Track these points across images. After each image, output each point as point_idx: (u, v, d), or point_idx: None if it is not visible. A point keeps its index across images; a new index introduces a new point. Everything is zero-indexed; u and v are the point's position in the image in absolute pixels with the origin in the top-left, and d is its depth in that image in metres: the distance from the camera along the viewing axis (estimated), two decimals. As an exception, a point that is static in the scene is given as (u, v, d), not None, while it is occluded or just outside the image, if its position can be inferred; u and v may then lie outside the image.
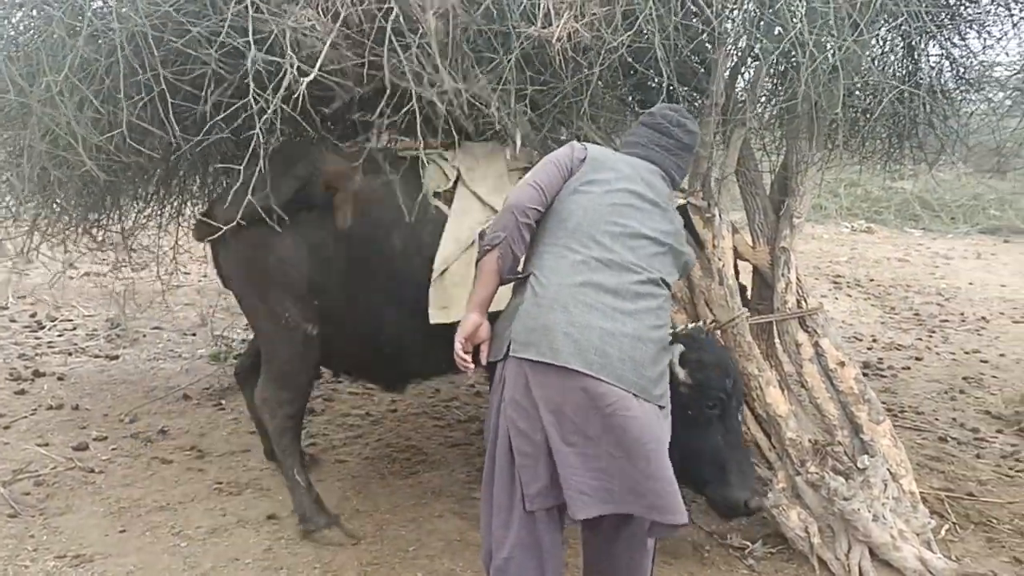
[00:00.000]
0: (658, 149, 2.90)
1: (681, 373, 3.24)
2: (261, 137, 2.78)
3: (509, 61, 3.29)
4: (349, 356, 3.84)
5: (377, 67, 3.15)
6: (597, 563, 2.83)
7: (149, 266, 8.22)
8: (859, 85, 5.57)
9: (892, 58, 5.50)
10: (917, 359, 7.12)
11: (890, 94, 3.85)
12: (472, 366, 2.66)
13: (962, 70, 5.44)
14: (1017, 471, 4.70)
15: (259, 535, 3.62)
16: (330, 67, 3.07)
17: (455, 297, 3.38)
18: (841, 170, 6.73)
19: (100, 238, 4.57)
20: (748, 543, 3.71)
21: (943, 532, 3.93)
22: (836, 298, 9.39)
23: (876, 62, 5.50)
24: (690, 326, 3.45)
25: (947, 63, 5.38)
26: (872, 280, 10.44)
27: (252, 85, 2.74)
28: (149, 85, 2.92)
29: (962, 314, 8.88)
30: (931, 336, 7.98)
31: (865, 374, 6.52)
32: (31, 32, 2.96)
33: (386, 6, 3.01)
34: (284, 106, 2.92)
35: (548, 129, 3.64)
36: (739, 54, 3.73)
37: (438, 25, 3.16)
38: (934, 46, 5.34)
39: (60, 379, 5.39)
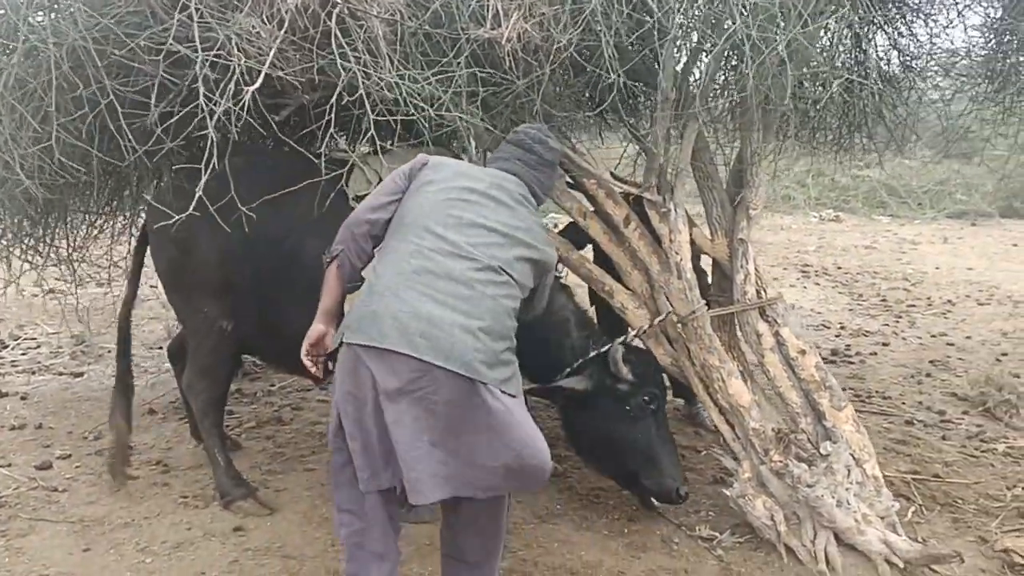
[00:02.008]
0: (519, 163, 3.04)
1: (624, 370, 3.58)
2: (215, 139, 2.74)
3: (459, 63, 3.29)
4: (272, 351, 4.13)
5: (325, 72, 3.14)
6: (450, 543, 2.92)
7: (114, 281, 8.21)
8: (808, 76, 5.67)
9: (840, 49, 5.57)
10: (884, 344, 7.19)
11: (838, 84, 3.78)
12: (319, 373, 2.82)
13: (909, 59, 5.52)
14: (982, 451, 4.76)
15: (225, 547, 3.58)
16: (277, 73, 3.04)
17: None
18: (795, 161, 6.78)
19: (45, 254, 4.49)
20: (716, 534, 3.73)
21: (909, 514, 3.98)
22: (805, 287, 9.47)
23: (825, 53, 5.58)
24: (630, 333, 3.83)
25: (895, 52, 5.47)
26: (840, 268, 10.54)
27: (201, 88, 2.71)
28: (94, 99, 2.89)
29: (929, 298, 8.99)
30: (898, 321, 8.06)
31: (833, 361, 6.62)
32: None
33: (331, 8, 2.99)
34: (235, 110, 2.89)
35: (502, 129, 3.63)
36: (688, 49, 3.74)
37: (384, 30, 3.16)
38: (882, 36, 5.42)
39: (23, 399, 5.32)
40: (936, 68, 5.56)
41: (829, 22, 3.92)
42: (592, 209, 4.03)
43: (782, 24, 3.31)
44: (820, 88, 5.70)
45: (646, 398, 3.67)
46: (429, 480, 2.50)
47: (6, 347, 6.41)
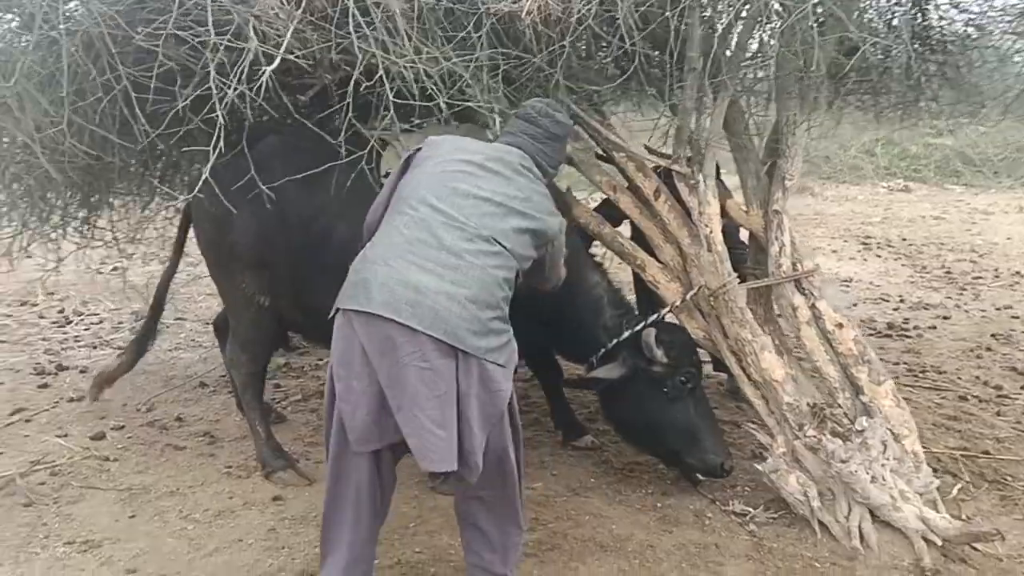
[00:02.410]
0: (525, 137, 3.02)
1: (659, 353, 3.59)
2: (224, 121, 2.80)
3: (480, 38, 3.28)
4: (308, 327, 4.27)
5: (345, 51, 3.16)
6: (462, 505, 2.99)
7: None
8: (859, 40, 5.48)
9: (899, 9, 5.37)
10: (945, 318, 6.99)
11: (869, 44, 3.64)
12: None
13: (973, 16, 5.29)
14: (1037, 427, 4.60)
15: (264, 516, 3.69)
16: (297, 53, 3.07)
17: None
18: (864, 131, 6.59)
19: (90, 234, 4.67)
20: (750, 509, 3.69)
21: (955, 491, 3.88)
22: (865, 259, 9.24)
23: (882, 15, 5.39)
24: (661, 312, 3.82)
25: (955, 11, 5.24)
26: (904, 240, 10.25)
27: (213, 72, 2.76)
28: (110, 85, 2.96)
29: (996, 270, 8.70)
30: (961, 294, 7.82)
31: (888, 335, 6.46)
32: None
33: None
34: (250, 93, 2.93)
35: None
36: (717, 15, 3.65)
37: (403, 6, 3.16)
38: (942, -7, 5.21)
39: (83, 372, 5.53)
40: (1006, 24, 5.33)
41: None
42: (624, 183, 3.99)
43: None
44: (881, 52, 5.56)
45: (683, 379, 3.68)
46: (434, 450, 2.55)
47: (70, 323, 6.67)
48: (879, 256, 9.39)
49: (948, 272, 8.66)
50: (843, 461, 3.41)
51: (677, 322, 3.92)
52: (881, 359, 5.73)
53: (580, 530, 3.59)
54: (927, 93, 5.59)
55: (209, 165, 2.98)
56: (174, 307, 6.90)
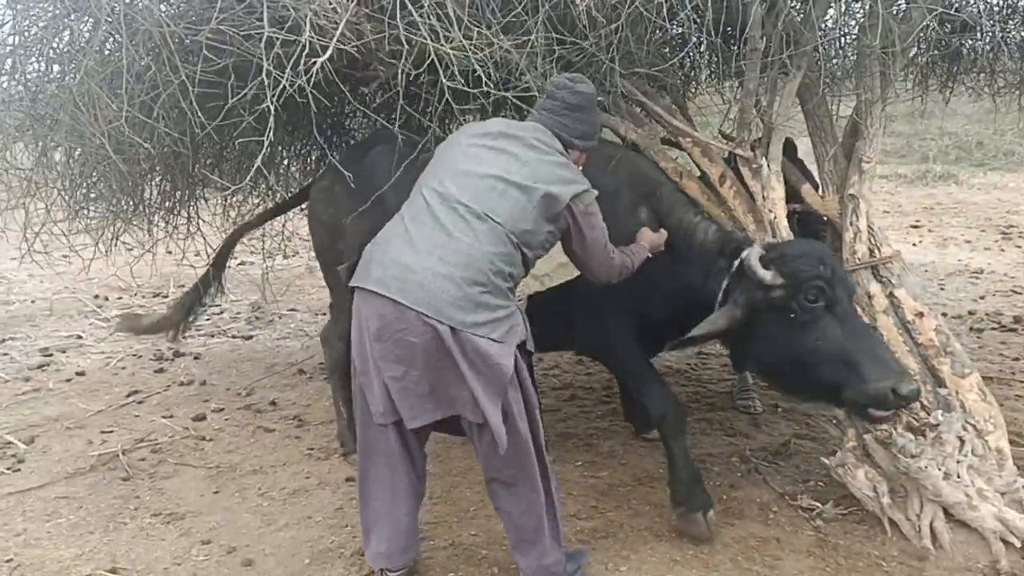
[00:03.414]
0: (544, 112, 3.04)
1: (767, 275, 3.01)
2: (276, 112, 2.93)
3: (536, 23, 3.30)
4: None
5: (400, 41, 3.24)
6: (483, 465, 2.98)
7: (298, 253, 8.88)
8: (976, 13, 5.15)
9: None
10: (1081, 313, 6.46)
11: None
12: None
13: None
14: None
15: (335, 496, 3.85)
16: (351, 45, 3.17)
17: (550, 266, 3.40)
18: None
19: (174, 225, 4.95)
20: (818, 504, 3.56)
21: (1056, 494, 3.60)
22: (1003, 250, 8.65)
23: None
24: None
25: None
26: (1052, 229, 9.52)
27: (266, 65, 2.90)
28: (170, 82, 3.17)
29: None
30: (1106, 287, 7.20)
31: (1014, 329, 6.04)
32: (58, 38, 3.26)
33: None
34: (308, 86, 3.06)
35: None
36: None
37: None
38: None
39: (196, 358, 5.90)
40: None
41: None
42: (691, 168, 3.91)
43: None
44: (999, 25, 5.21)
45: (809, 296, 2.98)
46: (417, 407, 2.76)
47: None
48: (1019, 247, 8.75)
49: (1095, 264, 8.00)
50: (913, 456, 3.23)
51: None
52: (1001, 354, 5.49)
53: (639, 520, 3.56)
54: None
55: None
56: (290, 299, 7.34)
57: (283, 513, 3.72)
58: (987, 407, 3.45)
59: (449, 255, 2.66)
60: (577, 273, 3.24)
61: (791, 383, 3.24)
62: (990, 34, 5.30)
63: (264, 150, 3.00)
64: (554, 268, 3.38)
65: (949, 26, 5.05)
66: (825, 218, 3.86)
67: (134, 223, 4.50)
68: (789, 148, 3.88)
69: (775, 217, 3.57)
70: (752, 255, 3.06)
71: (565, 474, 3.95)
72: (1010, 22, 5.26)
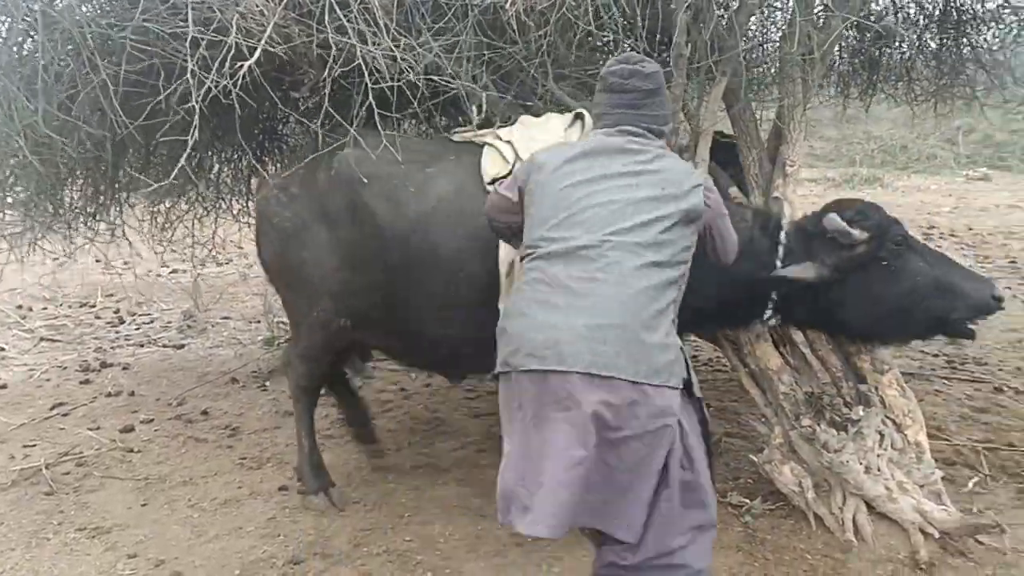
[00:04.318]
0: (622, 110, 2.72)
1: (855, 232, 3.06)
2: (204, 115, 2.90)
3: (465, 28, 3.31)
4: (400, 350, 3.88)
5: (328, 45, 3.23)
6: None
7: (231, 260, 8.75)
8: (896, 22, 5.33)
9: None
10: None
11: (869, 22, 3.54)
12: None
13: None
14: (1072, 420, 4.39)
15: (267, 505, 3.80)
16: (279, 48, 3.15)
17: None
18: (944, 118, 6.36)
19: (96, 230, 4.75)
20: (747, 501, 3.63)
21: (971, 484, 3.75)
22: (924, 249, 8.90)
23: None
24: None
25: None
26: (971, 229, 9.85)
27: (191, 65, 2.86)
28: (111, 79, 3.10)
29: (1064, 259, 8.28)
30: (1023, 284, 7.47)
31: (934, 326, 6.20)
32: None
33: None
34: (234, 88, 3.02)
35: (514, 95, 3.64)
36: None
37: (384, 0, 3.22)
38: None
39: (125, 368, 5.77)
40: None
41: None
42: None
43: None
44: (912, 34, 5.39)
45: (895, 242, 3.10)
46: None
47: (123, 322, 6.95)
48: (939, 246, 9.02)
49: (1012, 262, 8.30)
50: (835, 451, 3.32)
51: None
52: (921, 351, 5.64)
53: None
54: (961, 78, 5.40)
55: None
56: (222, 307, 7.23)
57: (213, 524, 3.66)
58: (906, 402, 3.56)
59: (602, 310, 2.40)
60: None
61: (902, 328, 3.28)
62: (906, 43, 5.51)
63: (187, 151, 2.94)
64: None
65: (868, 35, 5.24)
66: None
67: (54, 228, 4.36)
68: (732, 150, 3.94)
69: (702, 219, 3.63)
70: (834, 219, 3.07)
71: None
72: (926, 33, 5.46)
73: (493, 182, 3.23)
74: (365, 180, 3.37)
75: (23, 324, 6.82)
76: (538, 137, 3.33)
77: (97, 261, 4.90)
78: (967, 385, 4.96)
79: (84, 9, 2.98)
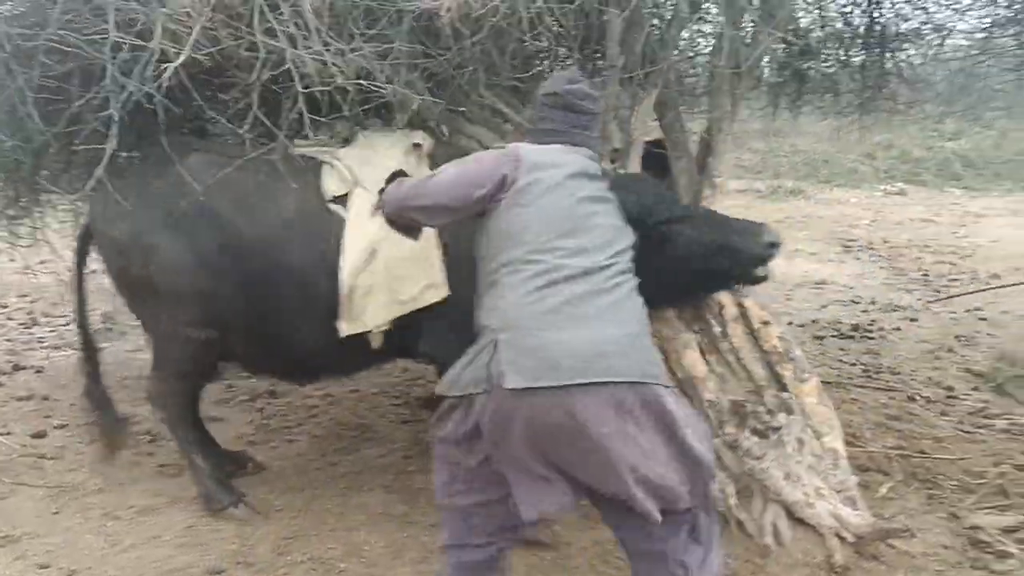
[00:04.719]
0: (578, 131, 2.80)
1: None
2: (123, 120, 2.82)
3: (398, 34, 3.29)
4: (254, 358, 3.87)
5: (257, 48, 3.17)
6: None
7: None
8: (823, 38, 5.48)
9: (855, 8, 5.38)
10: (912, 320, 6.95)
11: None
12: None
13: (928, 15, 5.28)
14: (979, 428, 4.57)
15: (185, 513, 3.71)
16: (205, 51, 3.08)
17: (364, 307, 3.39)
18: (864, 133, 6.58)
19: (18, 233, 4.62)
20: (671, 507, 3.67)
21: (884, 490, 3.87)
22: (843, 261, 9.20)
23: (841, 14, 5.40)
24: None
25: (911, 8, 5.24)
26: (887, 242, 10.19)
27: (111, 69, 2.78)
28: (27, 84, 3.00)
29: (974, 272, 8.63)
30: (935, 296, 7.76)
31: (851, 336, 6.43)
32: None
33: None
34: (156, 93, 2.96)
35: (448, 100, 3.63)
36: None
37: (315, 3, 3.18)
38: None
39: (38, 372, 5.58)
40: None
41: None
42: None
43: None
44: (837, 49, 5.55)
45: (661, 217, 3.06)
46: None
47: (36, 324, 6.72)
48: (858, 259, 9.35)
49: (925, 275, 8.62)
50: (757, 458, 3.40)
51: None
52: (840, 360, 5.82)
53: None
54: (883, 92, 5.59)
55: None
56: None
57: (129, 533, 3.56)
58: (824, 410, 3.65)
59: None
60: (443, 296, 3.28)
61: (694, 291, 3.47)
62: (832, 58, 5.68)
63: (106, 158, 2.87)
64: (420, 290, 3.37)
65: (794, 49, 5.38)
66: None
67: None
68: (662, 160, 3.98)
69: (630, 229, 3.68)
70: None
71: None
72: (851, 49, 5.64)
73: (334, 200, 3.44)
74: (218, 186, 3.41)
75: (-69, 324, 6.55)
76: (374, 160, 3.47)
77: (11, 261, 4.71)
78: (882, 394, 5.12)
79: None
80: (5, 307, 7.06)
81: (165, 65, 2.96)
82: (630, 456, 2.40)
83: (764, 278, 3.25)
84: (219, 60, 3.26)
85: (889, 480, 3.96)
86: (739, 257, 3.13)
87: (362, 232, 3.37)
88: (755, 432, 3.51)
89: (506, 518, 2.68)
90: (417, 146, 3.57)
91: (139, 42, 2.93)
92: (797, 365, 3.70)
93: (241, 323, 3.59)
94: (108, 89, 2.84)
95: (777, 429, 3.47)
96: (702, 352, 3.74)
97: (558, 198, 2.60)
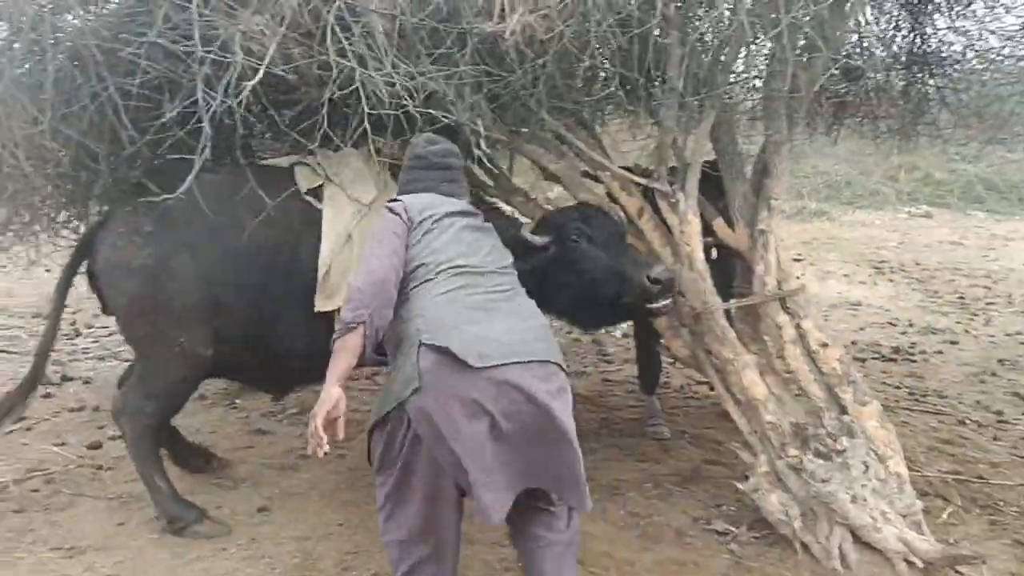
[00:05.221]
0: (445, 184, 3.12)
1: (537, 239, 3.55)
2: (209, 132, 2.87)
3: (463, 56, 3.33)
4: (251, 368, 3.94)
5: (328, 67, 3.22)
6: None
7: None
8: (863, 63, 5.50)
9: (897, 34, 5.40)
10: (952, 343, 6.92)
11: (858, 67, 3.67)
12: (327, 447, 2.57)
13: (971, 40, 5.29)
14: (1034, 453, 4.55)
15: (247, 526, 3.73)
16: (279, 68, 3.13)
17: (338, 286, 3.59)
18: (888, 156, 6.62)
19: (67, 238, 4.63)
20: (732, 528, 3.68)
21: (945, 515, 3.85)
22: (876, 283, 9.18)
23: (880, 39, 5.41)
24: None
25: (954, 35, 5.25)
26: (918, 264, 10.17)
27: (200, 86, 2.83)
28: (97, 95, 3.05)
29: (1010, 296, 8.60)
30: (972, 319, 7.75)
31: (893, 359, 6.42)
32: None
33: (331, 4, 3.07)
34: (237, 107, 3.00)
35: (508, 122, 3.67)
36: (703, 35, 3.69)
37: (385, 25, 3.23)
38: (940, 18, 5.23)
39: (86, 383, 5.63)
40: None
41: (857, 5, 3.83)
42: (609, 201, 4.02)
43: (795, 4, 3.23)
44: (879, 74, 5.56)
45: (571, 239, 3.58)
46: None
47: (79, 335, 6.77)
48: (891, 281, 9.32)
49: (961, 297, 8.59)
50: (823, 481, 3.39)
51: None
52: (884, 383, 5.79)
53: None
54: (926, 117, 5.61)
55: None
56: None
57: (193, 546, 3.57)
58: (885, 433, 3.64)
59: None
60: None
61: (595, 311, 3.76)
62: (873, 81, 5.69)
63: (195, 170, 2.92)
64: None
65: (837, 73, 5.40)
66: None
67: (26, 237, 4.24)
68: (715, 183, 4.03)
69: (691, 249, 3.71)
70: (524, 229, 3.59)
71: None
72: (891, 72, 5.66)
73: (308, 192, 3.72)
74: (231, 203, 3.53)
75: (-27, 335, 6.61)
76: (350, 162, 3.82)
77: (47, 271, 4.74)
78: (931, 417, 5.11)
79: (91, 23, 2.91)
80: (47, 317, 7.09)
81: (244, 82, 2.99)
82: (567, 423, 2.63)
83: (656, 313, 3.65)
84: (286, 77, 3.32)
85: (949, 505, 3.94)
86: (628, 285, 3.51)
87: (339, 218, 3.66)
88: (819, 455, 3.51)
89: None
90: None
91: (222, 56, 2.97)
92: (857, 388, 3.70)
93: (247, 333, 3.71)
94: (197, 102, 2.87)
95: (841, 452, 3.47)
96: (760, 373, 3.75)
97: (445, 227, 2.91)
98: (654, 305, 3.56)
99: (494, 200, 4.10)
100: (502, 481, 2.61)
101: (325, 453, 2.56)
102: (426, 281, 2.76)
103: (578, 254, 3.59)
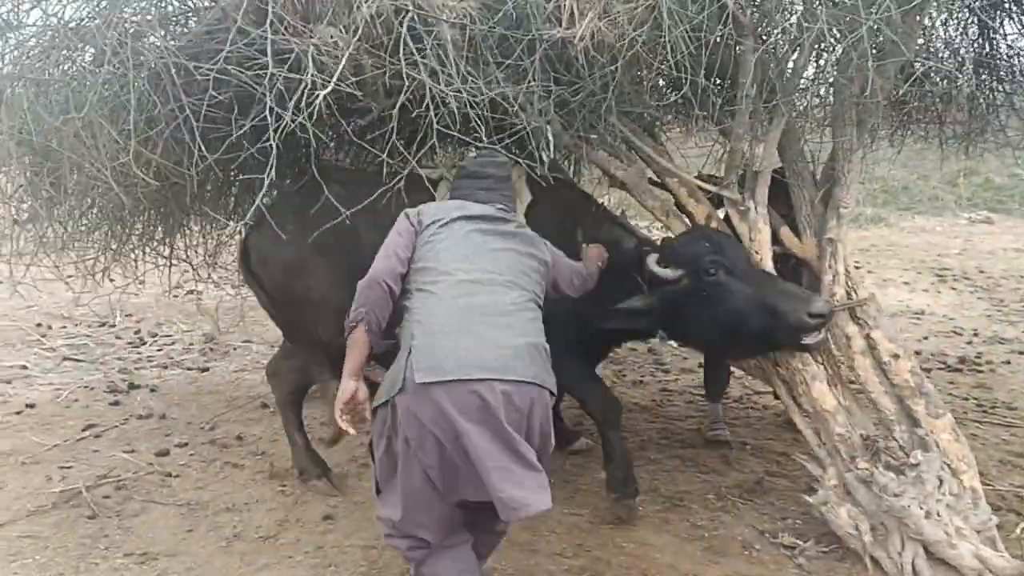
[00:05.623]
0: (482, 192, 3.21)
1: (667, 272, 3.51)
2: (280, 150, 2.91)
3: (532, 63, 3.33)
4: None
5: (398, 77, 3.24)
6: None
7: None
8: (930, 68, 5.38)
9: (964, 39, 5.27)
10: (1020, 353, 6.74)
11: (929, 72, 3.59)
12: (352, 430, 2.80)
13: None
14: (1112, 467, 4.40)
15: (313, 535, 3.76)
16: (350, 80, 3.16)
17: None
18: (946, 160, 6.49)
19: (168, 256, 4.85)
20: (799, 542, 3.63)
21: (1018, 531, 3.75)
22: (939, 292, 8.97)
23: (947, 44, 5.30)
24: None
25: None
26: (982, 272, 9.91)
27: (270, 101, 2.87)
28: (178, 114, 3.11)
29: (1080, 305, 8.34)
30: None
31: (959, 369, 6.27)
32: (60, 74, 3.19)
33: (402, 16, 3.09)
34: (307, 121, 3.03)
35: (577, 129, 3.66)
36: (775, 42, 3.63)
37: (455, 35, 3.24)
38: (1010, 24, 5.10)
39: (153, 390, 5.73)
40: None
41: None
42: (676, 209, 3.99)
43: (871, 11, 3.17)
44: (944, 80, 5.44)
45: (708, 272, 3.47)
46: None
47: (144, 343, 6.91)
48: (954, 289, 9.10)
49: (1029, 307, 8.36)
50: (896, 495, 3.32)
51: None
52: (950, 394, 5.66)
53: (623, 558, 3.57)
54: (993, 124, 5.47)
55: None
56: (243, 331, 7.18)
57: (261, 553, 3.62)
58: (959, 447, 3.56)
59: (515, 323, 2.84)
60: None
61: (735, 346, 3.73)
62: (940, 86, 5.57)
63: (265, 186, 2.96)
64: None
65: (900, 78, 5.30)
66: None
67: (123, 254, 4.41)
68: (783, 191, 3.98)
69: (761, 258, 3.66)
70: (650, 260, 3.55)
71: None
72: (960, 77, 5.53)
73: None
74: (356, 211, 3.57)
75: (44, 343, 6.77)
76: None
77: (111, 281, 4.88)
78: (1002, 429, 4.98)
79: (170, 42, 2.98)
80: (113, 327, 7.28)
81: (316, 93, 3.03)
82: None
83: (808, 348, 3.51)
84: (360, 88, 3.35)
85: (1022, 520, 3.83)
86: (782, 321, 3.37)
87: None
88: (889, 467, 3.44)
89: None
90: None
91: (293, 75, 3.01)
92: (930, 400, 3.61)
93: None
94: (266, 119, 2.91)
95: (915, 466, 3.39)
96: (829, 384, 3.68)
97: (453, 231, 3.01)
98: (808, 341, 3.43)
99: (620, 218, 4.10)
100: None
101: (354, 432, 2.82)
102: (430, 284, 2.87)
103: (720, 289, 3.47)
